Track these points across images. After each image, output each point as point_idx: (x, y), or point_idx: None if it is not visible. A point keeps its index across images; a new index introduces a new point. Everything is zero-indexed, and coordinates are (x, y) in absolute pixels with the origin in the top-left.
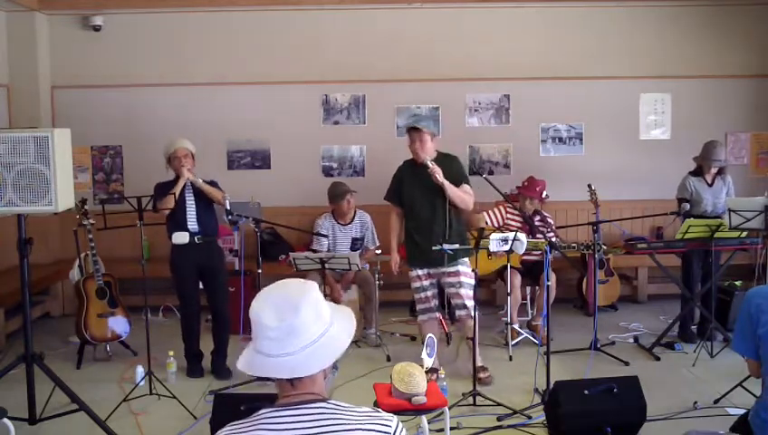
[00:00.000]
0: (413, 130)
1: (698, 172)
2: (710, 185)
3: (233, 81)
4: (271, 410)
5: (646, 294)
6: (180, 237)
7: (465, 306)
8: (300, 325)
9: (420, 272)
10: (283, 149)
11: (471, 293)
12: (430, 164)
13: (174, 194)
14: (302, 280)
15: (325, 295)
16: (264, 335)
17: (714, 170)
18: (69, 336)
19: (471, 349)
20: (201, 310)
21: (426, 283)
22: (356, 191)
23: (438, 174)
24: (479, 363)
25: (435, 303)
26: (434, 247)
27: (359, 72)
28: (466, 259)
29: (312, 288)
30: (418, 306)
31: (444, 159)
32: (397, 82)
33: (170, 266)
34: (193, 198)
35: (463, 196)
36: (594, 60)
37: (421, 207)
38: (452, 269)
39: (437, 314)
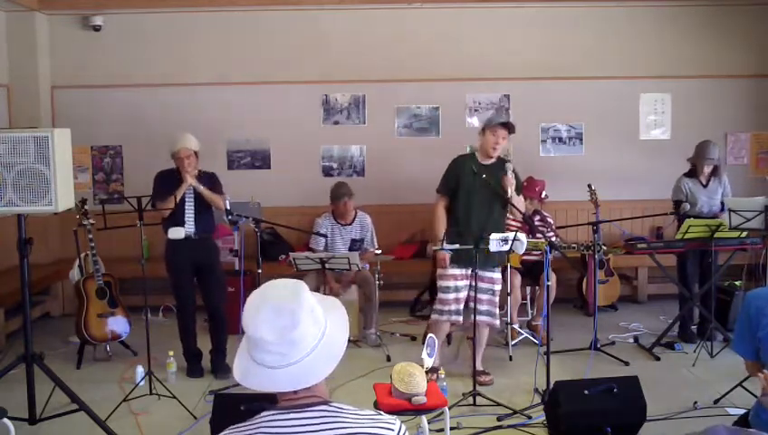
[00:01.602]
0: (502, 127)
1: (692, 174)
2: (705, 186)
3: (233, 81)
4: (273, 412)
5: (646, 294)
6: (176, 232)
7: (490, 313)
8: (299, 336)
9: (458, 271)
10: (283, 149)
11: (497, 300)
12: (511, 172)
13: (175, 196)
14: (289, 281)
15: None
16: (263, 349)
17: (708, 170)
18: (69, 336)
19: (472, 348)
20: (197, 308)
21: (460, 283)
22: (354, 195)
23: (512, 185)
24: (480, 368)
25: (460, 307)
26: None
27: (359, 72)
28: (500, 266)
29: (302, 290)
30: (439, 306)
31: (502, 163)
32: (397, 82)
33: (166, 264)
34: (192, 200)
35: (521, 208)
36: (594, 60)
37: (479, 207)
38: (489, 274)
39: (456, 319)
